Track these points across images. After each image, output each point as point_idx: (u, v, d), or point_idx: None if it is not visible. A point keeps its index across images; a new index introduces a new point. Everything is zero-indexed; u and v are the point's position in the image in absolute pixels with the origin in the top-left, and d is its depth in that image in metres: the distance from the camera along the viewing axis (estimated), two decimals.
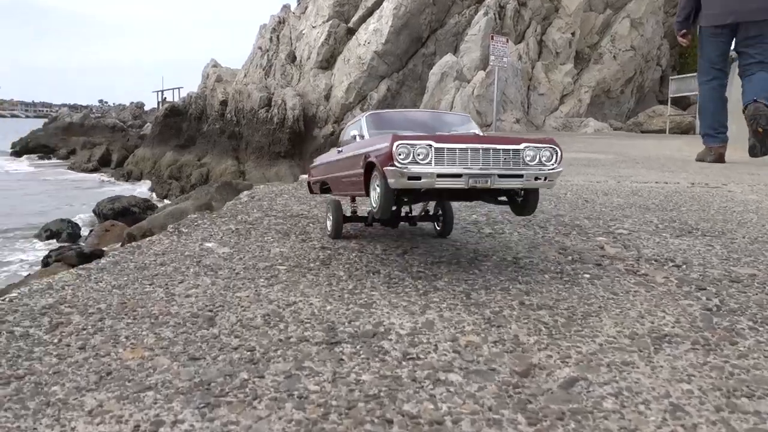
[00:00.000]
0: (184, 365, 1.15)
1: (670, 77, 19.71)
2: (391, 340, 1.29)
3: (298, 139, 21.02)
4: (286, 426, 0.94)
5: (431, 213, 2.45)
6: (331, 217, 2.37)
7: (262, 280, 1.74)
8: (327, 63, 22.31)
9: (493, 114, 16.25)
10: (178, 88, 34.56)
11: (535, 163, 1.78)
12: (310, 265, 1.92)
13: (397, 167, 1.63)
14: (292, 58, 24.29)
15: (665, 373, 1.15)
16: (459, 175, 1.69)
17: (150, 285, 1.68)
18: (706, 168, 5.49)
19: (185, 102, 26.79)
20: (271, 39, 25.80)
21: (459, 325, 1.38)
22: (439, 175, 1.66)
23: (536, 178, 1.77)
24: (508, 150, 1.77)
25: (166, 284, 1.69)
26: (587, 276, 1.84)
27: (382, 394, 1.05)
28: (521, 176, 1.76)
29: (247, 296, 1.58)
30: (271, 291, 1.63)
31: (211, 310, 1.46)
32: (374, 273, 1.84)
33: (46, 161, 36.75)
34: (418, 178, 1.65)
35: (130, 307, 1.49)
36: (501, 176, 1.74)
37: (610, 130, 18.22)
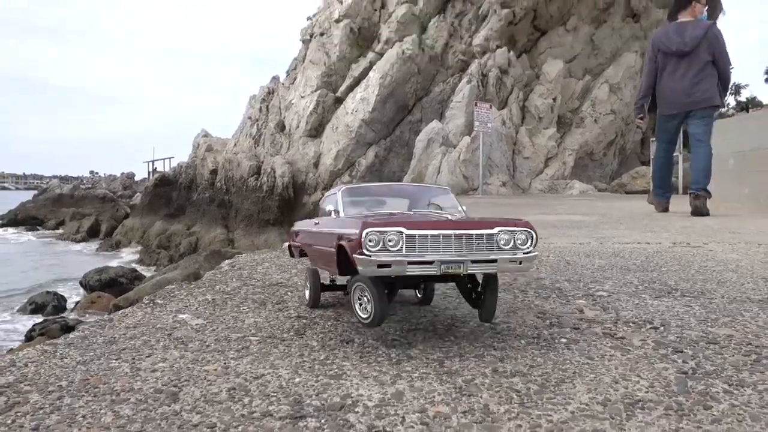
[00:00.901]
0: None
1: (651, 139, 20.19)
2: (357, 412, 1.25)
3: (287, 206, 21.14)
4: None
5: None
6: (308, 286, 2.35)
7: (232, 352, 1.70)
8: (316, 131, 22.73)
9: (480, 178, 16.48)
10: (169, 158, 34.94)
11: (509, 246, 1.75)
12: (284, 336, 1.89)
13: (366, 255, 1.60)
14: (281, 127, 24.74)
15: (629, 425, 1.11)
16: (431, 262, 1.65)
17: (116, 360, 1.64)
18: (688, 227, 5.54)
19: (175, 171, 27.02)
20: (260, 109, 26.34)
21: (429, 395, 1.35)
22: (410, 263, 1.62)
23: (511, 262, 1.74)
24: (482, 235, 1.73)
25: (133, 358, 1.64)
26: (564, 341, 1.82)
27: None
28: (495, 261, 1.72)
29: (215, 369, 1.54)
30: (240, 363, 1.59)
31: (175, 385, 1.42)
32: (348, 342, 1.81)
33: (34, 232, 36.56)
34: (389, 266, 1.60)
35: (92, 383, 1.45)
36: (474, 261, 1.70)
37: (595, 191, 18.47)
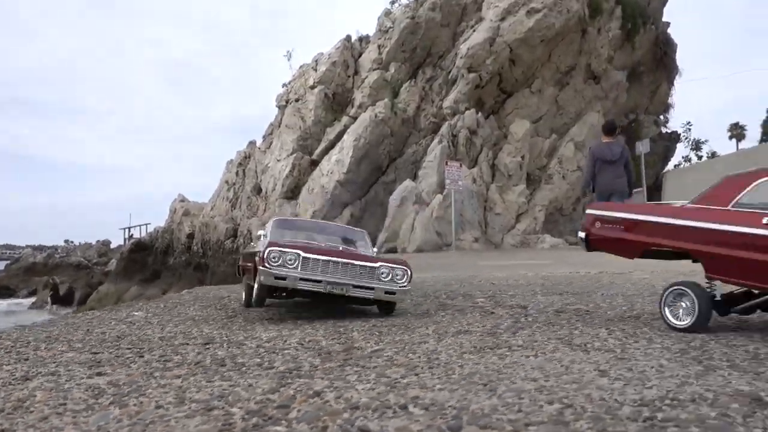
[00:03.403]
0: None
1: None
2: (253, 344, 1.48)
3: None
4: None
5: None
6: (243, 292, 2.79)
7: (170, 325, 1.91)
8: (292, 193, 23.09)
9: (452, 234, 16.81)
10: (146, 224, 34.99)
11: (388, 279, 2.31)
12: (216, 318, 2.13)
13: (267, 268, 2.18)
14: (257, 190, 25.08)
15: (448, 341, 1.35)
16: (319, 281, 2.22)
17: (75, 330, 1.84)
18: (623, 261, 5.83)
19: (152, 237, 27.05)
20: (237, 173, 26.75)
21: (311, 334, 1.60)
22: (302, 279, 2.21)
23: (386, 292, 2.32)
24: (365, 266, 2.38)
25: (87, 330, 1.85)
26: (443, 314, 2.10)
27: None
28: (373, 289, 2.31)
29: (152, 331, 1.75)
30: (175, 327, 1.80)
31: (119, 337, 1.62)
32: (263, 320, 2.04)
33: (6, 300, 35.84)
34: (284, 278, 2.20)
35: (55, 338, 1.64)
36: (355, 287, 2.28)
37: (566, 245, 18.89)
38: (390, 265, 2.33)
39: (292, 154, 23.29)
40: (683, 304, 3.14)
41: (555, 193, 21.57)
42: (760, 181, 3.20)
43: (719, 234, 3.31)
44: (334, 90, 23.85)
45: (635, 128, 25.82)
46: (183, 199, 28.42)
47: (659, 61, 26.20)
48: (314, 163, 23.06)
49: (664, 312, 3.17)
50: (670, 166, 29.09)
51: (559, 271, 4.90)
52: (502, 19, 21.00)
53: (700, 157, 31.84)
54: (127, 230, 37.18)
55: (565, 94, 22.74)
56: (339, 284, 2.17)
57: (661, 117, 28.46)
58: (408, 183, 19.34)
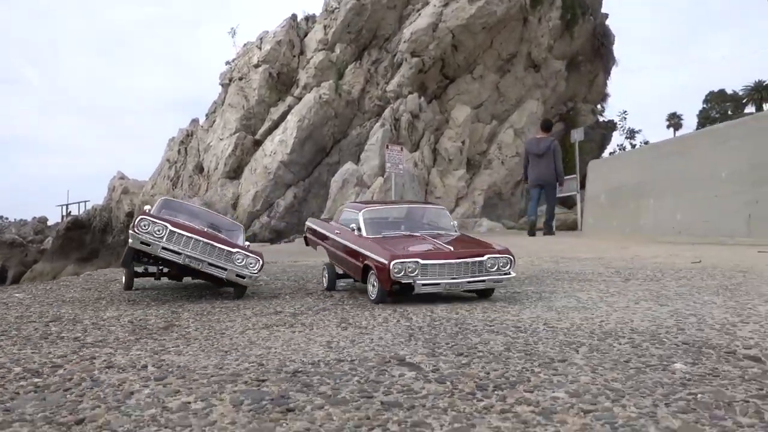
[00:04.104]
0: None
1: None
2: (84, 323, 1.70)
3: None
4: None
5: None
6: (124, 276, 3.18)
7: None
8: (234, 173, 22.93)
9: None
10: (84, 202, 34.00)
11: (241, 264, 2.82)
12: (85, 301, 2.34)
13: (135, 233, 2.63)
14: (199, 168, 24.78)
15: (255, 320, 1.62)
16: (179, 254, 2.64)
17: None
18: (551, 246, 6.26)
19: (89, 214, 26.39)
20: (179, 151, 26.32)
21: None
22: (164, 248, 2.63)
23: (237, 275, 2.83)
24: (222, 249, 2.88)
25: None
26: (288, 297, 2.34)
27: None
28: (225, 270, 2.80)
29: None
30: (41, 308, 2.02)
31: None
32: (123, 302, 2.27)
33: None
34: (148, 244, 2.62)
35: None
36: (210, 264, 2.77)
37: (504, 228, 19.50)
38: (245, 252, 2.96)
39: (235, 133, 23.09)
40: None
41: (494, 178, 22.18)
42: (345, 207, 4.83)
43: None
44: (279, 69, 23.68)
45: (573, 116, 26.67)
46: (122, 177, 27.79)
47: (597, 51, 27.04)
48: (257, 143, 22.94)
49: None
50: (606, 153, 30.24)
51: None
52: (446, 5, 21.26)
53: (633, 146, 33.16)
54: (64, 207, 36.07)
55: (506, 81, 23.26)
56: (196, 260, 2.74)
57: (598, 106, 29.47)
58: (350, 165, 19.54)
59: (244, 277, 2.97)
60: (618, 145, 34.32)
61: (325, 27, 23.56)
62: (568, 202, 21.76)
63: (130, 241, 2.61)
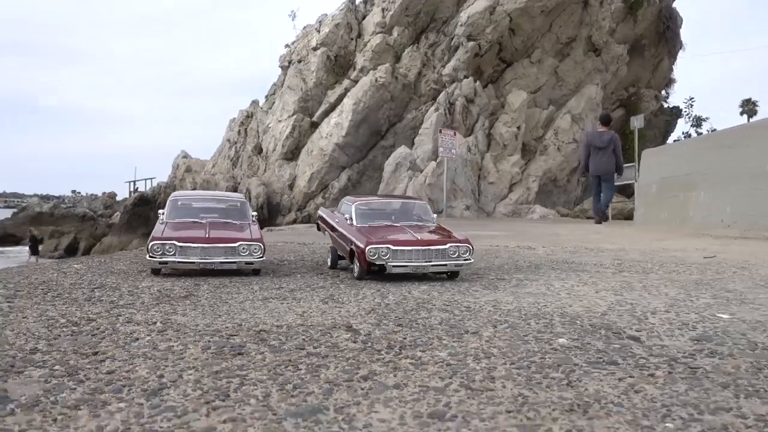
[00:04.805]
0: None
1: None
2: (122, 290, 2.04)
3: (261, 226, 21.75)
4: None
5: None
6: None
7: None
8: (291, 154, 23.51)
9: (444, 201, 17.29)
10: (151, 179, 35.40)
11: (246, 253, 3.49)
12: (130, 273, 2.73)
13: (150, 258, 3.31)
14: (258, 149, 25.50)
15: (262, 293, 1.92)
16: (193, 262, 3.26)
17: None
18: (580, 235, 6.34)
19: (154, 191, 27.59)
20: (239, 132, 27.12)
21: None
22: (179, 262, 3.35)
23: (246, 263, 3.56)
24: (227, 247, 3.54)
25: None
26: (299, 275, 2.60)
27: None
28: (235, 262, 3.43)
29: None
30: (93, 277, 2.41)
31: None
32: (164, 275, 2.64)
33: (10, 248, 36.68)
34: (165, 263, 3.31)
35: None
36: (221, 263, 3.38)
37: (557, 216, 19.32)
38: (248, 242, 3.67)
39: (293, 115, 23.61)
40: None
41: (549, 164, 21.91)
42: (344, 200, 5.32)
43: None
44: (337, 52, 24.00)
45: (635, 102, 25.93)
46: (186, 155, 28.87)
47: (662, 35, 26.12)
48: (314, 125, 23.40)
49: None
50: (669, 141, 29.27)
51: (503, 243, 5.51)
52: None
53: (699, 134, 31.93)
54: (132, 183, 37.71)
55: (565, 65, 22.84)
56: (209, 262, 3.40)
57: (663, 92, 28.49)
58: (403, 149, 19.72)
59: (252, 264, 3.85)
60: (683, 133, 33.06)
61: (383, 10, 23.66)
62: (627, 191, 21.30)
63: (149, 261, 3.48)
